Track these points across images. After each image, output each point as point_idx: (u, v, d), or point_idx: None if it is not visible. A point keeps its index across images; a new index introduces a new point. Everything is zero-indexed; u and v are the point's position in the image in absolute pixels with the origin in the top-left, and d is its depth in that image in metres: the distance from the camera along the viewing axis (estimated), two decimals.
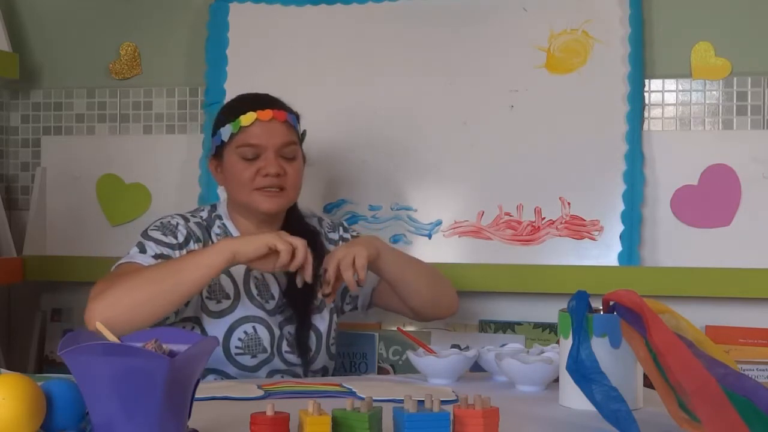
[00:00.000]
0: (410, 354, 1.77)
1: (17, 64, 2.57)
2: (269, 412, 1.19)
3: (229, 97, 2.35)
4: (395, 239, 2.43)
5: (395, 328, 2.31)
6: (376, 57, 2.49)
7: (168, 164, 2.58)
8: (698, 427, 1.21)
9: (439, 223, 2.42)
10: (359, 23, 2.51)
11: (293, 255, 1.81)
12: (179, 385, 1.10)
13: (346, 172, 2.47)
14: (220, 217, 2.04)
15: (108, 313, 1.71)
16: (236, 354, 1.93)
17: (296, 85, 2.49)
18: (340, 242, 2.11)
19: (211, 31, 2.56)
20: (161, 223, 1.96)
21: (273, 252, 1.79)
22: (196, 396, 1.17)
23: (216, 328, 1.92)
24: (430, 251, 2.34)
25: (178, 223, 1.96)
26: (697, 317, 1.57)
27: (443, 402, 1.24)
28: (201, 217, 2.02)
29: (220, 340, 1.92)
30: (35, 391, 1.11)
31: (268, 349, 1.96)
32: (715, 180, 2.32)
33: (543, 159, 2.39)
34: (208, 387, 1.57)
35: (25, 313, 2.68)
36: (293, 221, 2.06)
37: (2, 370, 1.51)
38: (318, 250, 1.99)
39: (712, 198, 2.32)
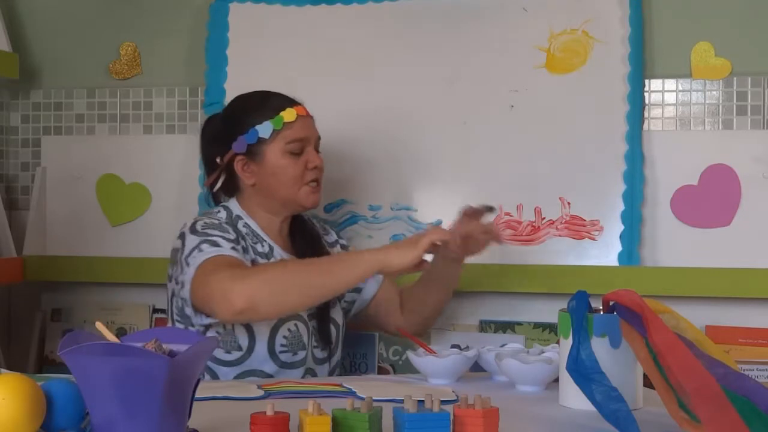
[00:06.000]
0: (410, 354, 1.78)
1: (17, 64, 2.57)
2: (269, 412, 1.19)
3: (229, 97, 2.34)
4: (395, 239, 2.43)
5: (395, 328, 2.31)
6: (376, 57, 2.49)
7: (168, 164, 2.58)
8: (698, 427, 1.21)
9: (439, 223, 2.42)
10: (359, 23, 2.50)
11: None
12: (179, 385, 1.10)
13: (346, 172, 2.47)
14: (240, 218, 2.04)
15: (258, 293, 1.76)
16: (281, 352, 1.96)
17: (296, 85, 2.48)
18: (337, 245, 2.18)
19: (211, 31, 2.56)
20: (206, 223, 1.94)
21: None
22: (196, 396, 1.17)
23: (261, 327, 1.95)
24: None
25: (219, 220, 1.97)
26: (697, 317, 1.56)
27: (443, 402, 1.24)
28: (221, 218, 2.01)
29: (266, 339, 1.94)
30: (35, 391, 1.11)
31: (306, 345, 1.99)
32: (715, 180, 2.32)
33: (543, 159, 2.38)
34: (208, 387, 1.57)
35: (25, 313, 2.68)
36: (300, 218, 2.12)
37: (2, 370, 1.51)
38: (320, 250, 2.09)
39: (712, 198, 2.32)
